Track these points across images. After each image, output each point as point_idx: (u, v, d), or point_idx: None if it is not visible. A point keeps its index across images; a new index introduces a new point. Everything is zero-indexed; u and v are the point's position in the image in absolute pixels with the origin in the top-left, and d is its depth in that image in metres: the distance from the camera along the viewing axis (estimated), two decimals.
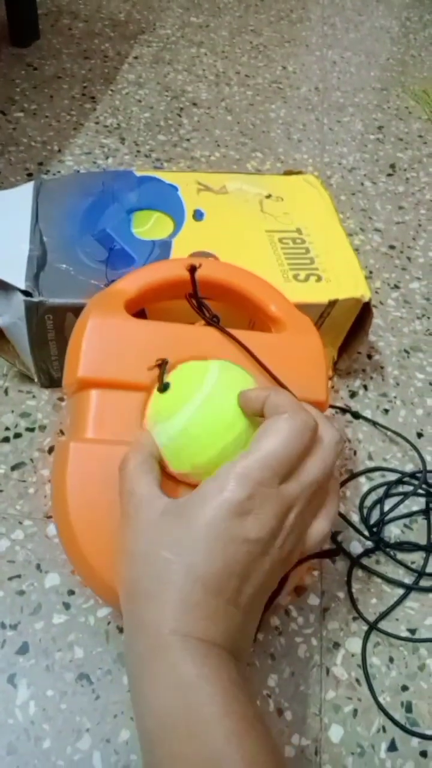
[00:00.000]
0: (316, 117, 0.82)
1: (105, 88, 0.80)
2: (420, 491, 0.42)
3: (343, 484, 0.43)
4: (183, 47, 0.91)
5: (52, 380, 0.45)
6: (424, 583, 0.38)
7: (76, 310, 0.37)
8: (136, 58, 0.87)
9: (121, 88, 0.80)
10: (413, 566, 0.39)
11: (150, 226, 0.45)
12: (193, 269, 0.36)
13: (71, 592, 0.36)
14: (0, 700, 0.32)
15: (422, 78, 0.94)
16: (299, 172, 0.54)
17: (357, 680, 0.35)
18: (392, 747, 0.33)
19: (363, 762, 0.32)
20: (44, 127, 0.71)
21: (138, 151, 0.70)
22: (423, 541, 0.40)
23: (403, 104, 0.87)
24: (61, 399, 0.45)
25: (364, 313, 0.45)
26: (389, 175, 0.73)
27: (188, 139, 0.73)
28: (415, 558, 0.40)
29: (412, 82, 0.93)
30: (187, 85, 0.83)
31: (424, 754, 0.33)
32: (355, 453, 0.45)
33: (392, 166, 0.75)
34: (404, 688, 0.35)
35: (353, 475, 0.43)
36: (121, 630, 0.35)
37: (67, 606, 0.36)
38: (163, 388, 0.31)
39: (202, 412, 0.30)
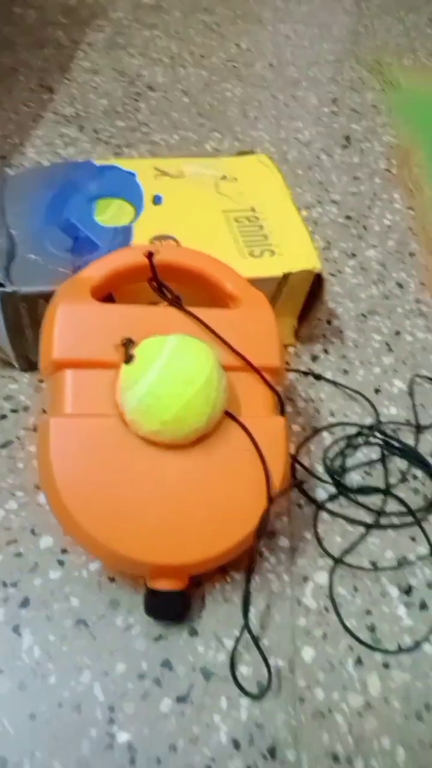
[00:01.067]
0: (272, 94, 0.84)
1: (61, 77, 0.81)
2: (374, 440, 0.46)
3: (307, 439, 0.47)
4: (136, 30, 0.92)
5: (30, 364, 0.48)
6: (383, 521, 0.43)
7: (47, 297, 0.40)
8: (89, 44, 0.88)
9: (77, 76, 0.82)
10: (373, 507, 0.43)
11: (112, 214, 0.48)
12: (150, 255, 0.39)
13: (64, 551, 0.40)
14: (8, 648, 0.36)
15: (375, 47, 0.96)
16: (251, 152, 0.57)
17: (325, 608, 0.39)
18: (358, 662, 0.37)
19: (333, 676, 0.37)
20: (4, 120, 0.72)
21: (98, 139, 0.72)
22: (381, 485, 0.45)
23: (356, 75, 0.90)
24: (41, 381, 0.48)
25: (317, 283, 0.49)
26: (344, 147, 0.76)
27: (146, 124, 0.75)
28: (375, 500, 0.44)
29: (365, 52, 0.95)
30: (142, 69, 0.85)
31: (386, 665, 0.37)
32: (318, 411, 0.49)
33: (347, 138, 0.78)
34: (368, 612, 0.39)
35: (316, 431, 0.47)
36: (111, 579, 0.39)
37: (61, 563, 0.39)
38: (129, 359, 0.35)
39: (163, 373, 0.34)
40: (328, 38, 0.97)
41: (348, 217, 0.66)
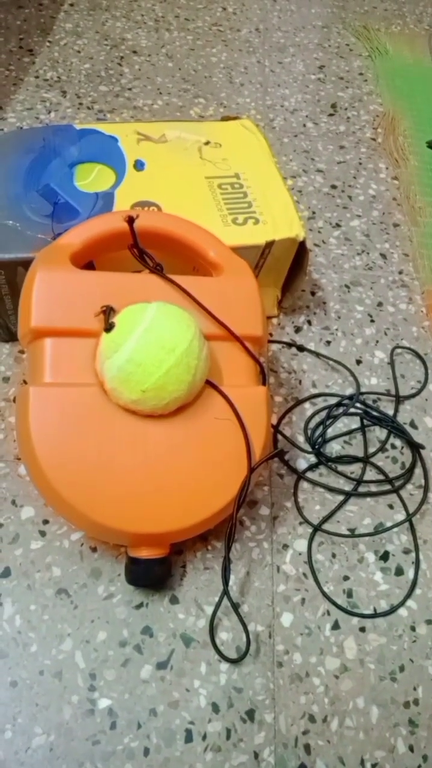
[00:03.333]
0: (258, 59, 0.82)
1: (42, 40, 0.78)
2: (353, 410, 0.46)
3: (289, 410, 0.47)
4: None
5: (10, 334, 0.47)
6: (362, 489, 0.43)
7: (26, 264, 0.39)
8: (72, 5, 0.85)
9: (59, 38, 0.79)
10: (352, 476, 0.44)
11: (92, 179, 0.47)
12: (131, 220, 0.38)
13: (45, 521, 0.40)
14: None
15: (363, 13, 0.94)
16: (236, 117, 0.56)
17: (304, 574, 0.40)
18: (335, 626, 0.38)
19: (311, 640, 0.37)
20: None
21: (80, 104, 0.70)
22: (361, 454, 0.45)
23: (343, 41, 0.88)
24: (21, 352, 0.48)
25: (301, 252, 0.48)
26: (330, 115, 0.75)
27: (130, 89, 0.73)
28: (354, 469, 0.44)
29: (352, 17, 0.93)
30: (126, 33, 0.82)
31: (362, 629, 0.38)
32: (300, 382, 0.49)
33: (333, 105, 0.76)
34: (345, 578, 0.40)
35: (298, 402, 0.47)
36: (93, 549, 0.39)
37: (42, 533, 0.39)
38: (109, 328, 0.34)
39: (143, 341, 0.33)
40: (315, 3, 0.94)
41: (333, 187, 0.65)
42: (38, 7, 0.83)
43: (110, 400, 0.35)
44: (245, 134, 0.54)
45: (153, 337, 0.34)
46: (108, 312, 0.35)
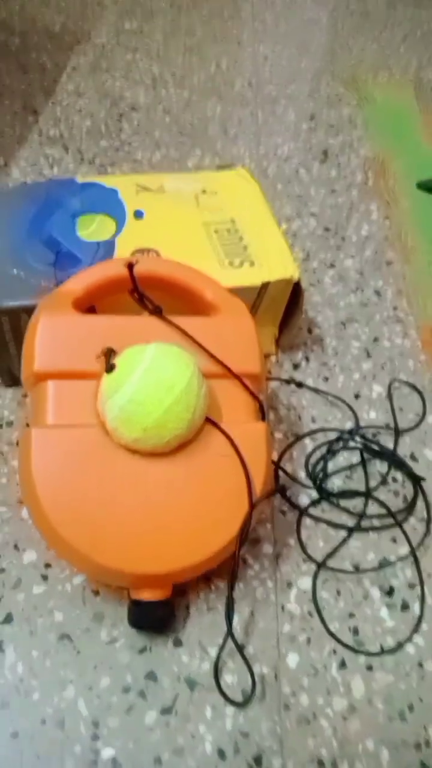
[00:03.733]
0: (251, 111, 0.86)
1: (45, 101, 0.83)
2: (354, 445, 0.47)
3: (289, 446, 0.47)
4: (119, 54, 0.94)
5: (14, 379, 0.48)
6: (364, 523, 0.43)
7: (30, 311, 0.40)
8: (74, 68, 0.90)
9: (61, 99, 0.83)
10: (354, 511, 0.44)
11: (94, 228, 0.49)
12: (131, 266, 0.40)
13: (48, 565, 0.40)
14: None
15: (351, 65, 0.99)
16: (231, 166, 0.58)
17: (309, 613, 0.39)
18: (342, 665, 0.37)
19: (317, 681, 0.37)
20: None
21: (82, 159, 0.74)
22: (362, 489, 0.45)
23: (333, 92, 0.92)
24: (24, 396, 0.49)
25: (297, 292, 0.50)
26: (322, 161, 0.78)
27: (129, 143, 0.77)
28: (356, 503, 0.44)
29: (341, 69, 0.97)
30: (125, 91, 0.87)
31: (369, 668, 0.37)
32: (300, 418, 0.50)
33: (324, 152, 0.80)
34: (351, 615, 0.39)
35: (298, 438, 0.48)
36: (96, 593, 0.39)
37: (44, 577, 0.39)
38: (110, 369, 0.35)
39: (143, 381, 0.34)
40: (305, 56, 0.99)
41: (327, 229, 0.68)
42: (41, 71, 0.88)
43: (112, 440, 0.36)
44: (240, 182, 0.56)
45: (153, 377, 0.35)
46: (109, 354, 0.36)
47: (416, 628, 0.39)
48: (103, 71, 0.90)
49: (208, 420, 0.38)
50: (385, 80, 0.96)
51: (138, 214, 0.51)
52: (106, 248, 0.47)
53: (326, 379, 0.53)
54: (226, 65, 0.95)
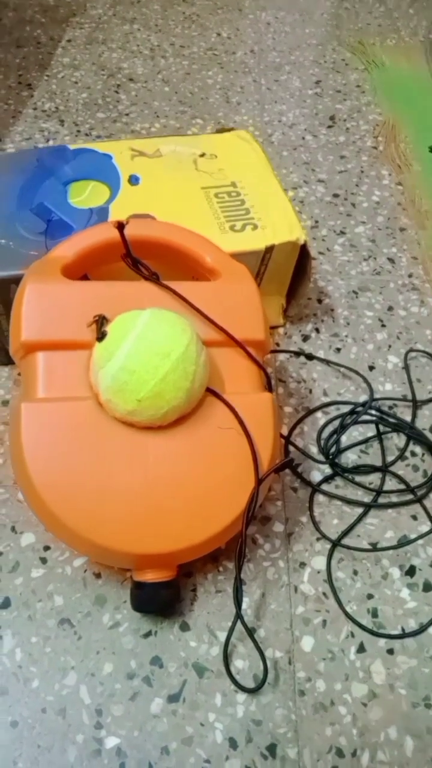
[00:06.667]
0: (254, 79, 0.82)
1: (41, 74, 0.80)
2: (369, 418, 0.44)
3: (300, 420, 0.45)
4: (116, 25, 0.91)
5: (8, 357, 0.46)
6: (382, 500, 0.40)
7: (19, 281, 0.38)
8: (69, 41, 0.87)
9: (57, 72, 0.81)
10: (371, 486, 0.41)
11: (86, 195, 0.47)
12: (120, 226, 0.37)
13: (47, 548, 0.38)
14: None
15: (357, 29, 0.94)
16: (231, 129, 0.55)
17: (324, 594, 0.37)
18: (361, 649, 0.35)
19: (334, 665, 0.34)
20: None
21: (78, 131, 0.71)
22: (379, 463, 0.42)
23: (339, 57, 0.88)
24: (20, 374, 0.46)
25: (303, 257, 0.47)
26: (329, 126, 0.74)
27: (127, 114, 0.74)
28: (372, 479, 0.42)
29: (347, 34, 0.93)
30: (122, 62, 0.83)
31: (390, 651, 0.35)
32: (310, 392, 0.47)
33: (332, 117, 0.76)
34: (369, 596, 0.37)
35: (309, 411, 0.45)
36: (97, 575, 0.37)
37: (43, 560, 0.37)
38: (101, 336, 0.33)
39: (136, 347, 0.32)
40: (309, 23, 0.95)
41: (335, 195, 0.64)
42: (36, 45, 0.85)
43: (106, 414, 0.34)
44: (241, 144, 0.53)
45: (146, 343, 0.32)
46: (100, 321, 0.34)
47: None
48: (99, 43, 0.87)
49: (210, 390, 0.35)
50: (394, 44, 0.92)
51: (133, 180, 0.48)
52: (100, 215, 0.45)
53: (338, 350, 0.50)
54: (227, 33, 0.91)
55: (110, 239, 0.38)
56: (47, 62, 0.82)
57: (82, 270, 0.40)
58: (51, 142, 0.69)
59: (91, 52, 0.85)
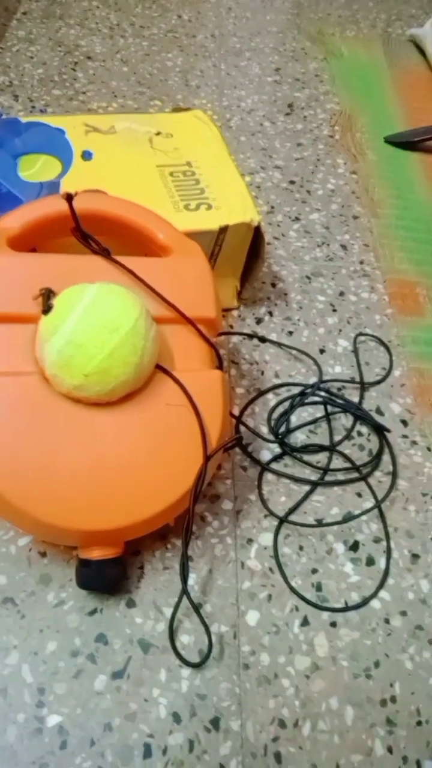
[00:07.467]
0: (214, 63, 0.82)
1: None
2: (318, 398, 0.44)
3: (251, 401, 0.45)
4: (74, 1, 0.89)
5: None
6: (328, 478, 0.41)
7: None
8: (24, 13, 0.84)
9: (11, 45, 0.78)
10: (318, 465, 0.42)
11: (37, 169, 0.45)
12: (69, 198, 0.36)
13: None
14: None
15: (317, 19, 0.95)
16: (188, 109, 0.54)
17: (270, 569, 0.37)
18: (305, 622, 0.35)
19: (278, 638, 0.35)
20: None
21: (33, 107, 0.69)
22: (327, 443, 0.43)
23: (299, 46, 0.88)
24: None
25: (258, 240, 0.47)
26: (287, 114, 0.75)
27: (84, 92, 0.72)
28: (320, 458, 0.42)
29: (307, 24, 0.93)
30: (80, 39, 0.81)
31: (333, 624, 0.36)
32: (262, 373, 0.47)
33: (290, 105, 0.76)
34: (314, 570, 0.37)
35: (260, 393, 0.45)
36: (42, 554, 0.36)
37: None
38: (47, 309, 0.32)
39: (83, 320, 0.31)
40: (270, 10, 0.95)
41: (292, 182, 0.65)
42: None
43: (52, 389, 0.33)
44: (197, 124, 0.53)
45: (94, 317, 0.32)
46: (47, 294, 0.33)
47: (382, 583, 0.37)
48: (56, 18, 0.84)
49: (159, 367, 0.35)
50: (353, 35, 0.92)
51: (86, 155, 0.47)
52: (50, 189, 0.44)
53: (290, 333, 0.50)
54: (188, 16, 0.90)
55: (59, 212, 0.37)
56: (1, 34, 0.79)
57: (29, 243, 0.38)
58: (4, 117, 0.66)
59: (47, 27, 0.82)
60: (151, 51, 0.82)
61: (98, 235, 0.38)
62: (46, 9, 0.86)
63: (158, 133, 0.51)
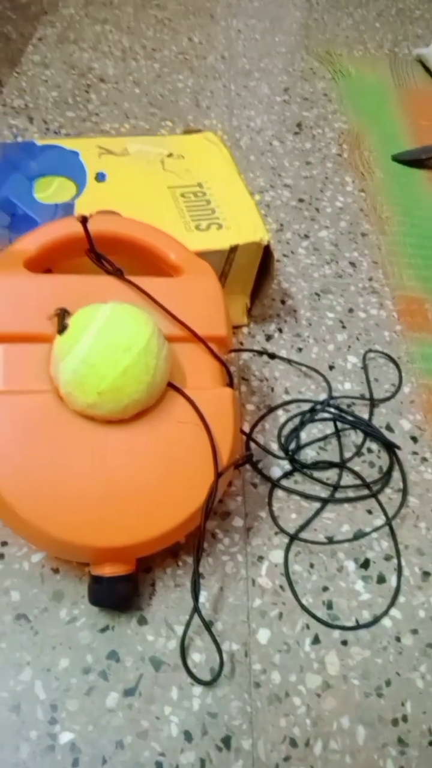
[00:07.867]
0: (224, 84, 0.83)
1: (10, 71, 0.79)
2: (328, 415, 0.45)
3: (261, 418, 0.45)
4: (87, 25, 0.91)
5: None
6: (339, 495, 0.41)
7: None
8: (40, 39, 0.87)
9: (27, 69, 0.80)
10: (329, 482, 0.42)
11: (52, 191, 0.46)
12: (84, 220, 0.37)
13: (4, 543, 0.37)
14: None
15: (325, 39, 0.97)
16: (198, 131, 0.56)
17: (281, 587, 0.37)
18: (316, 641, 0.35)
19: (289, 657, 0.35)
20: None
21: (47, 129, 0.71)
22: (337, 459, 0.43)
23: (307, 66, 0.90)
24: None
25: (267, 258, 0.48)
26: (296, 133, 0.76)
27: (97, 114, 0.74)
28: (330, 475, 0.43)
29: (315, 44, 0.95)
30: (93, 62, 0.83)
31: (344, 642, 0.36)
32: (272, 390, 0.48)
33: (299, 124, 0.77)
34: (325, 588, 0.37)
35: (271, 409, 0.46)
36: (55, 570, 0.37)
37: (1, 556, 0.37)
38: (62, 329, 0.33)
39: (97, 341, 0.32)
40: (279, 31, 0.97)
41: (301, 200, 0.66)
42: (6, 41, 0.85)
43: (66, 407, 0.34)
44: (208, 146, 0.54)
45: (107, 337, 0.32)
46: (62, 314, 0.34)
47: (393, 602, 0.37)
48: (70, 42, 0.86)
49: (171, 385, 0.36)
50: (360, 55, 0.94)
51: (100, 177, 0.48)
52: (65, 210, 0.45)
53: (300, 350, 0.51)
54: (199, 39, 0.92)
55: (74, 233, 0.38)
56: (17, 59, 0.81)
57: (45, 264, 0.39)
58: (19, 139, 0.68)
59: (62, 51, 0.84)
60: (162, 73, 0.83)
61: (111, 256, 0.39)
62: (61, 34, 0.88)
63: (170, 155, 0.52)
